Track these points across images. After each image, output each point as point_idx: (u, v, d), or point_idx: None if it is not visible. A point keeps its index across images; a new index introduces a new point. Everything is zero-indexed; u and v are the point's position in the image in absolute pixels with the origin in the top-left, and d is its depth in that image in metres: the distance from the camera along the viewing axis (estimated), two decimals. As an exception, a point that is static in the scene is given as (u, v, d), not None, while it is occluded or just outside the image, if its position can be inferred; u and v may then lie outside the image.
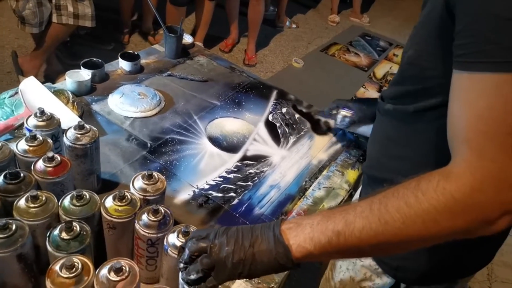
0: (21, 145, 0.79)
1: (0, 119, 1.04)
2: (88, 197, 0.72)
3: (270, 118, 1.33)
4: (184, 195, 1.01)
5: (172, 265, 0.71)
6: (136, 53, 1.40)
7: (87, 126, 0.85)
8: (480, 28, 0.50)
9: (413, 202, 0.52)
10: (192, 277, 0.60)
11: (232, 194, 1.04)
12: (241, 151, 1.18)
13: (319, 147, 1.26)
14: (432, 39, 0.64)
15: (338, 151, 1.27)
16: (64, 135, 0.84)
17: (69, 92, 1.17)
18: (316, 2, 4.63)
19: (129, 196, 0.73)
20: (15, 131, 1.01)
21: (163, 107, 1.26)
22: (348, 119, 1.22)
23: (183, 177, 1.05)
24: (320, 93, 2.90)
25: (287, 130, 1.30)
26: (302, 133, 1.30)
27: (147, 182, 0.78)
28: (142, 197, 0.76)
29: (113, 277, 0.60)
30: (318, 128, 1.34)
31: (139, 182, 0.78)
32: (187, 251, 0.61)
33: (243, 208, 1.01)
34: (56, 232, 0.66)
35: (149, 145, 1.12)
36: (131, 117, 1.19)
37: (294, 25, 3.99)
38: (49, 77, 2.35)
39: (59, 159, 0.76)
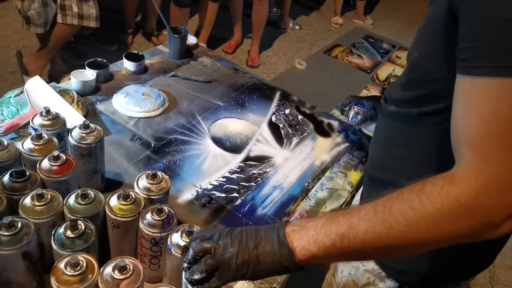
0: (27, 144, 0.80)
1: (5, 118, 1.05)
2: (93, 196, 0.73)
3: (273, 119, 1.34)
4: (187, 195, 1.01)
5: (176, 264, 0.71)
6: (140, 53, 1.40)
7: (92, 125, 0.86)
8: (483, 32, 0.50)
9: (417, 206, 0.52)
10: (196, 277, 0.60)
11: (235, 194, 1.04)
12: (244, 151, 1.18)
13: (322, 148, 1.27)
14: (436, 42, 0.64)
15: (341, 152, 1.27)
16: (69, 134, 0.85)
17: (74, 92, 1.18)
18: (319, 4, 4.63)
19: (133, 195, 0.74)
20: (20, 130, 1.02)
21: (167, 108, 1.26)
22: (360, 116, 1.21)
23: (187, 177, 1.05)
24: (323, 95, 2.90)
25: (290, 131, 1.30)
26: (305, 134, 1.31)
27: (151, 182, 0.78)
28: (146, 196, 0.76)
29: (117, 275, 0.61)
30: (321, 130, 1.34)
31: (143, 182, 0.78)
32: (191, 251, 0.61)
33: (246, 208, 1.01)
34: (61, 230, 0.66)
35: (153, 145, 1.12)
36: (135, 117, 1.20)
37: (297, 27, 3.99)
38: (53, 77, 2.36)
39: (64, 158, 0.77)
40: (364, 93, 3.19)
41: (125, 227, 0.73)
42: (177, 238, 0.71)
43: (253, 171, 1.12)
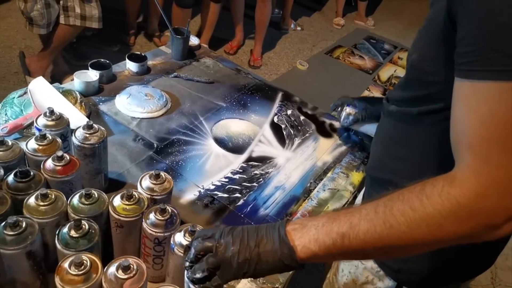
0: (31, 144, 0.80)
1: (9, 118, 1.06)
2: (96, 196, 0.73)
3: (275, 119, 1.34)
4: (189, 195, 1.02)
5: (179, 264, 0.72)
6: (143, 54, 1.41)
7: (95, 126, 0.86)
8: (482, 36, 0.50)
9: (417, 206, 0.52)
10: (198, 275, 0.61)
11: (238, 194, 1.05)
12: (247, 152, 1.19)
13: (324, 149, 1.27)
14: (435, 45, 0.64)
15: (343, 153, 1.27)
16: (73, 134, 0.85)
17: (77, 93, 1.18)
18: (321, 5, 4.64)
19: (136, 196, 0.74)
20: (23, 130, 1.02)
21: (170, 108, 1.27)
22: (352, 117, 1.22)
23: (189, 178, 1.06)
24: (325, 96, 2.89)
25: (292, 131, 1.31)
26: (307, 135, 1.31)
27: (154, 182, 0.79)
28: (149, 196, 0.77)
29: (121, 275, 0.61)
30: (323, 130, 1.35)
31: (146, 182, 0.79)
32: (192, 250, 0.62)
33: (248, 208, 1.02)
34: (65, 230, 0.66)
35: (155, 145, 1.13)
36: (138, 118, 1.20)
37: (299, 28, 4.00)
38: (55, 78, 2.37)
39: (68, 158, 0.77)
40: (366, 94, 3.20)
41: (129, 227, 0.74)
42: (180, 238, 0.71)
43: (255, 172, 1.13)
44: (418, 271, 0.82)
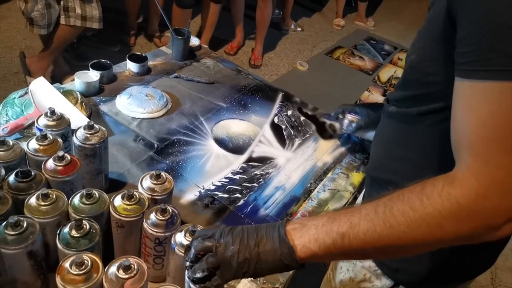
0: (32, 144, 0.80)
1: (10, 118, 1.06)
2: (97, 196, 0.73)
3: (276, 120, 1.34)
4: (190, 195, 1.02)
5: (179, 264, 0.72)
6: (143, 54, 1.41)
7: (96, 126, 0.86)
8: (482, 36, 0.50)
9: (418, 206, 0.52)
10: (198, 275, 0.61)
11: (238, 195, 1.05)
12: (247, 152, 1.19)
13: (324, 149, 1.27)
14: (434, 45, 0.64)
15: (343, 153, 1.28)
16: (73, 135, 0.85)
17: (77, 93, 1.19)
18: (321, 6, 4.64)
19: (137, 196, 0.74)
20: (24, 130, 1.02)
21: (170, 109, 1.27)
22: (354, 124, 1.22)
23: (189, 178, 1.06)
24: (325, 96, 2.91)
25: (292, 132, 1.31)
26: (307, 135, 1.31)
27: (155, 182, 0.79)
28: (150, 196, 0.77)
29: (121, 274, 0.61)
30: (323, 131, 1.35)
31: (147, 182, 0.79)
32: (193, 250, 0.62)
33: (249, 209, 1.02)
34: (66, 230, 0.67)
35: (156, 145, 1.13)
36: (139, 118, 1.20)
37: (299, 29, 4.01)
38: (55, 78, 2.38)
39: (69, 158, 0.77)
40: (366, 94, 3.20)
41: (129, 227, 0.74)
42: (180, 238, 0.71)
43: (256, 172, 1.13)
44: (417, 271, 0.82)
